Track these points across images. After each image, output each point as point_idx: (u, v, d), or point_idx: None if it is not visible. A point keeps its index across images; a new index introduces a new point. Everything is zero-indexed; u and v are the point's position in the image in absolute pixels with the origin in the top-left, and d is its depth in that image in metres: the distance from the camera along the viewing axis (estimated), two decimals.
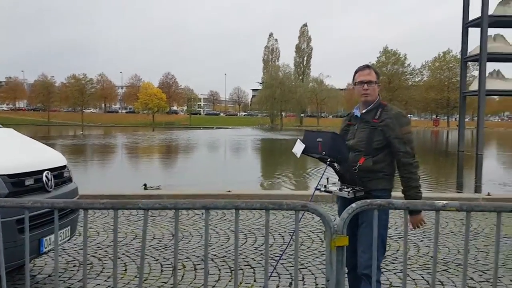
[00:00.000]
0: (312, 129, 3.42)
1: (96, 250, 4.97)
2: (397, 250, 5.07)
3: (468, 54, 26.29)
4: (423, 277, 4.26)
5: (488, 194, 8.35)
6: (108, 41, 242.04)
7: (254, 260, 4.69)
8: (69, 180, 4.24)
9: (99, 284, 3.98)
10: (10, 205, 2.35)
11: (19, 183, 3.48)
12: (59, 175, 4.02)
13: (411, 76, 78.46)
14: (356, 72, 3.17)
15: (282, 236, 5.63)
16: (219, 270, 4.38)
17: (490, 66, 25.64)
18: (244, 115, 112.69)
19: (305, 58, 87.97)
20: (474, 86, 26.07)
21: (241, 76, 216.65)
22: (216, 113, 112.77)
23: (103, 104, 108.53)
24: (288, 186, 11.80)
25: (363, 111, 3.13)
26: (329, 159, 3.00)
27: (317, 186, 3.14)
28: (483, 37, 23.40)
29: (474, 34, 25.12)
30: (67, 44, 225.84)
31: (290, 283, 4.05)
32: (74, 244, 5.11)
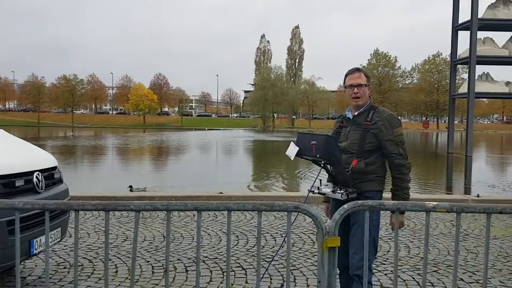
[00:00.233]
0: (305, 132, 3.43)
1: (87, 251, 4.94)
2: (388, 251, 5.10)
3: (457, 57, 26.54)
4: (413, 278, 4.29)
5: (478, 196, 8.43)
6: (99, 42, 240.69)
7: (246, 261, 4.69)
8: (60, 181, 4.21)
9: (89, 286, 3.95)
10: (0, 206, 2.33)
11: (9, 184, 3.45)
12: (50, 176, 3.99)
13: (401, 79, 79.16)
14: (346, 76, 3.18)
15: (274, 238, 5.63)
16: (211, 271, 4.37)
17: (479, 69, 25.92)
18: (236, 116, 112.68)
19: (297, 60, 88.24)
20: (464, 89, 26.32)
21: (233, 78, 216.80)
22: (208, 115, 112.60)
23: (93, 105, 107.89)
24: (280, 188, 11.82)
25: (355, 113, 3.15)
26: (323, 161, 3.02)
27: (311, 188, 3.16)
28: (473, 40, 23.64)
29: (464, 37, 25.40)
30: (57, 44, 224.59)
31: (282, 285, 4.06)
32: (65, 246, 5.07)
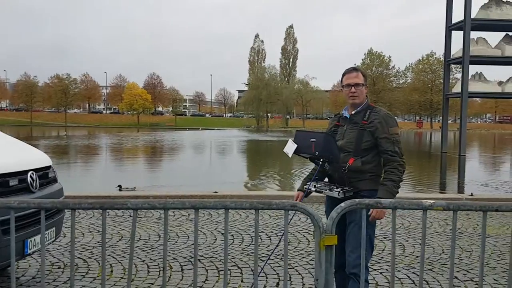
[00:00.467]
0: (304, 129, 3.45)
1: (81, 251, 4.91)
2: (383, 250, 5.12)
3: (451, 57, 26.69)
4: (408, 276, 4.31)
5: (471, 195, 8.48)
6: (93, 42, 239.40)
7: (241, 260, 4.69)
8: (54, 180, 4.18)
9: (84, 286, 3.93)
10: None
11: (3, 183, 3.43)
12: (44, 175, 3.97)
13: (395, 78, 79.53)
14: (343, 75, 3.19)
15: (269, 237, 5.64)
16: (206, 270, 4.37)
17: (473, 69, 26.08)
18: (230, 116, 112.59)
19: (291, 60, 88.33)
20: (457, 88, 26.48)
21: (227, 77, 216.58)
22: (202, 114, 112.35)
23: (87, 105, 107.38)
24: (275, 187, 11.83)
25: (352, 112, 3.16)
26: (321, 159, 3.03)
27: (308, 186, 3.16)
28: (466, 40, 23.78)
29: (457, 37, 25.55)
30: (50, 44, 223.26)
31: (277, 283, 4.06)
32: (59, 246, 5.04)
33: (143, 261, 4.61)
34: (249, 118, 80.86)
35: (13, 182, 3.52)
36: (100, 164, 19.11)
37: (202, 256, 4.80)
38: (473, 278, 4.27)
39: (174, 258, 4.70)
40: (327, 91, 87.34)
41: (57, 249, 4.95)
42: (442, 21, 26.69)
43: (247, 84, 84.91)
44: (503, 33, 25.81)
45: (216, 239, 5.48)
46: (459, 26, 24.84)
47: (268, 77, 75.99)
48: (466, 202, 2.27)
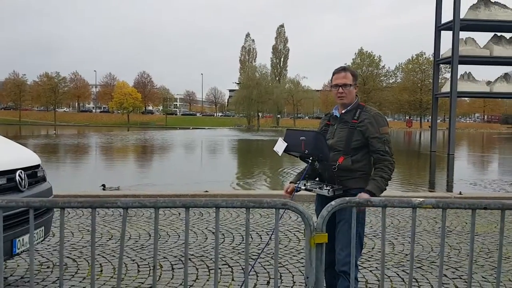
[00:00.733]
0: (294, 128, 3.46)
1: (71, 251, 4.87)
2: (373, 248, 5.15)
3: (440, 57, 26.89)
4: (398, 274, 4.34)
5: (460, 193, 8.57)
6: (82, 40, 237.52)
7: (232, 259, 4.69)
8: (43, 179, 4.14)
9: (74, 286, 3.91)
10: None
11: None
12: (33, 174, 3.93)
13: (386, 78, 79.97)
14: (333, 74, 3.21)
15: (260, 236, 5.64)
16: (197, 269, 4.36)
17: (462, 69, 26.33)
18: (221, 115, 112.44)
19: (282, 59, 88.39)
20: (446, 88, 26.70)
21: (218, 77, 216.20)
22: (193, 114, 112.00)
23: (76, 103, 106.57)
24: (265, 186, 11.83)
25: (343, 111, 3.18)
26: (311, 158, 3.03)
27: (298, 184, 3.17)
28: (455, 40, 23.99)
29: (446, 37, 25.76)
30: (39, 42, 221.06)
31: (268, 282, 4.06)
32: (48, 245, 5.00)
33: (133, 260, 4.59)
34: (240, 118, 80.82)
35: (1, 181, 3.48)
36: (90, 163, 18.98)
37: (192, 255, 4.79)
38: (462, 275, 4.31)
39: (164, 257, 4.69)
40: (317, 90, 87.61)
41: (46, 248, 4.91)
42: (432, 21, 26.91)
43: (238, 84, 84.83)
44: (492, 33, 26.08)
45: (207, 238, 5.47)
46: (448, 26, 25.05)
47: (259, 77, 76.01)
48: (455, 200, 2.29)
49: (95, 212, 2.16)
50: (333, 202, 2.20)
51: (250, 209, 2.17)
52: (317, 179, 3.26)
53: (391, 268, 4.50)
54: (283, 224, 6.15)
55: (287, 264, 4.55)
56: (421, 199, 2.15)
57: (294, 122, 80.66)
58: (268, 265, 4.49)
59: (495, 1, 25.27)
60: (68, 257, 4.65)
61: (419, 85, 74.50)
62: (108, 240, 5.31)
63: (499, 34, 25.80)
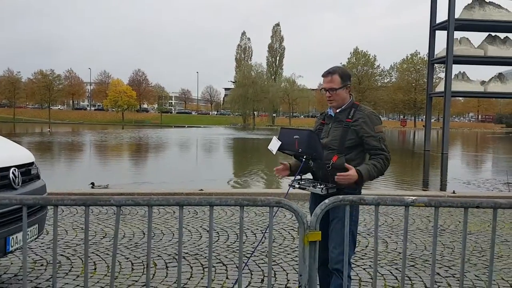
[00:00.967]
0: (288, 126, 3.46)
1: (65, 248, 4.86)
2: (366, 246, 5.17)
3: (435, 56, 27.01)
4: (391, 272, 4.36)
5: (453, 192, 8.61)
6: (77, 37, 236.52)
7: (227, 257, 4.69)
8: (37, 177, 4.13)
9: (67, 283, 3.90)
10: None
11: None
12: (27, 172, 3.91)
13: (380, 77, 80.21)
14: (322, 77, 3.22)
15: (254, 234, 5.65)
16: (191, 267, 4.36)
17: (456, 68, 26.46)
18: (216, 114, 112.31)
19: (278, 58, 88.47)
20: (440, 88, 26.82)
21: (213, 75, 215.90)
22: (188, 112, 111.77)
23: (71, 101, 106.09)
24: (260, 184, 11.85)
25: (337, 110, 3.19)
26: (305, 156, 3.04)
27: (291, 183, 3.18)
28: (449, 40, 24.10)
29: (441, 37, 25.88)
30: (34, 39, 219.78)
31: (262, 280, 4.07)
32: (41, 243, 4.99)
33: (127, 258, 4.58)
34: (236, 116, 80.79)
35: None
36: (84, 161, 18.91)
37: (187, 253, 4.79)
38: (455, 274, 4.34)
39: (158, 256, 4.68)
40: (313, 89, 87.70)
41: (40, 246, 4.90)
42: (427, 21, 27.01)
43: (233, 82, 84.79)
44: (486, 33, 26.21)
45: (201, 237, 5.47)
46: (443, 26, 25.16)
47: (255, 75, 76.00)
48: (448, 198, 2.30)
49: (89, 210, 2.16)
50: (326, 200, 2.20)
51: (245, 207, 2.17)
52: (311, 177, 3.27)
53: (384, 266, 4.52)
54: (277, 222, 6.16)
55: (281, 262, 4.57)
56: (414, 198, 2.16)
57: (290, 121, 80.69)
58: (262, 263, 4.50)
59: (489, 1, 25.40)
60: (62, 255, 4.64)
61: (413, 84, 74.78)
62: (102, 238, 5.30)
63: (493, 34, 25.94)
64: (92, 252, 4.73)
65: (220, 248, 5.00)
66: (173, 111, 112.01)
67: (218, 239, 5.39)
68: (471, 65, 28.89)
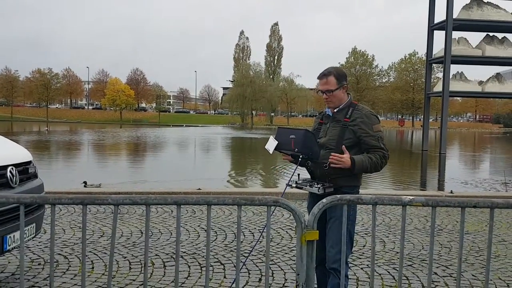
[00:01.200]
0: (285, 126, 3.45)
1: (62, 247, 4.86)
2: (364, 246, 5.18)
3: (433, 56, 27.04)
4: (388, 272, 4.37)
5: (451, 192, 8.63)
6: (75, 36, 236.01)
7: (224, 257, 4.69)
8: (35, 176, 4.12)
9: (65, 282, 3.90)
10: None
11: None
12: (24, 170, 3.91)
13: (379, 77, 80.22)
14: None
15: (252, 233, 5.65)
16: (189, 267, 4.36)
17: (454, 68, 26.50)
18: (215, 113, 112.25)
19: (276, 57, 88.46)
20: (438, 88, 26.86)
21: (211, 74, 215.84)
22: (186, 111, 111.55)
23: (69, 100, 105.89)
24: (258, 184, 11.85)
25: (335, 110, 3.19)
26: (301, 156, 3.04)
27: (288, 182, 3.19)
28: (448, 40, 24.12)
29: (439, 37, 25.90)
30: (32, 37, 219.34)
31: (260, 279, 4.08)
32: (39, 242, 4.98)
33: (125, 257, 4.58)
34: (234, 116, 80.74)
35: None
36: (82, 160, 18.88)
37: (185, 252, 4.79)
38: (452, 273, 4.34)
39: (156, 255, 4.68)
40: (311, 89, 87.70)
41: (37, 245, 4.89)
42: (425, 21, 27.04)
43: (232, 81, 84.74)
44: (484, 33, 26.25)
45: (199, 236, 5.47)
46: (441, 26, 25.19)
47: (253, 75, 75.98)
48: (445, 198, 2.31)
49: (86, 209, 2.16)
50: (324, 200, 2.21)
51: (243, 206, 2.18)
52: (309, 176, 3.28)
53: (382, 265, 4.53)
54: (275, 221, 6.16)
55: (279, 262, 4.57)
56: (411, 197, 2.17)
57: (288, 121, 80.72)
58: (260, 262, 4.50)
59: (487, 1, 25.44)
60: (59, 254, 4.63)
61: (411, 84, 74.85)
62: (99, 237, 5.30)
63: (491, 34, 25.99)
64: (90, 251, 4.73)
65: (217, 247, 5.00)
66: (171, 110, 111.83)
67: (216, 238, 5.39)
68: (469, 65, 28.95)
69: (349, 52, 78.49)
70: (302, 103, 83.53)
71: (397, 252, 4.96)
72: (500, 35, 26.14)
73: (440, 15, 25.70)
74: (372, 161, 3.02)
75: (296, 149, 3.02)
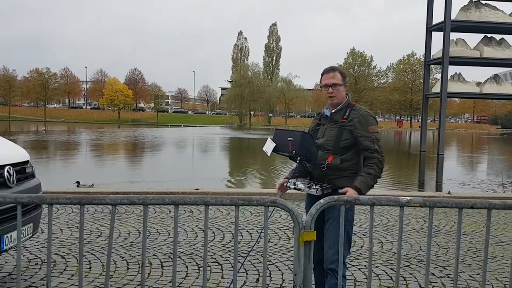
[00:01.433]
0: (282, 128, 3.45)
1: (60, 247, 4.85)
2: (362, 246, 5.18)
3: (431, 57, 27.10)
4: (386, 272, 4.37)
5: (449, 193, 8.64)
6: (73, 36, 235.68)
7: (222, 257, 4.69)
8: (32, 175, 4.11)
9: (62, 282, 3.89)
10: None
11: None
12: (22, 170, 3.90)
13: (377, 78, 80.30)
14: (322, 75, 3.22)
15: (250, 234, 5.65)
16: (186, 267, 4.36)
17: (452, 69, 26.59)
18: (213, 113, 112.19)
19: (274, 58, 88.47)
20: (436, 89, 26.90)
21: (210, 74, 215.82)
22: (184, 111, 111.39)
23: (67, 100, 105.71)
24: (256, 184, 11.85)
25: (333, 111, 3.19)
26: (299, 157, 3.04)
27: (286, 183, 3.18)
28: (446, 41, 24.17)
29: (437, 38, 25.96)
30: (30, 37, 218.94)
31: (257, 279, 4.07)
32: (36, 242, 4.97)
33: (123, 257, 4.58)
34: (232, 116, 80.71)
35: None
36: (79, 160, 18.85)
37: (182, 252, 4.78)
38: (449, 274, 4.35)
39: (154, 255, 4.68)
40: (309, 89, 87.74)
41: (35, 245, 4.88)
42: (423, 22, 27.08)
43: (230, 82, 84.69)
44: (482, 35, 26.32)
45: (197, 236, 5.47)
46: (439, 27, 25.24)
47: (251, 75, 75.97)
48: (442, 199, 2.31)
49: (83, 209, 2.16)
50: (322, 200, 2.21)
51: (241, 207, 2.18)
52: (308, 177, 3.28)
53: (379, 266, 4.53)
54: (273, 222, 6.16)
55: (276, 262, 4.57)
56: (409, 198, 2.17)
57: (286, 121, 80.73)
58: (257, 262, 4.50)
59: (485, 3, 25.51)
60: (57, 254, 4.62)
61: (409, 85, 74.93)
62: (97, 237, 5.29)
63: (489, 35, 26.06)
64: (87, 251, 4.72)
65: (215, 248, 5.00)
66: (169, 110, 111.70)
67: (214, 238, 5.39)
68: (467, 66, 29.02)
69: (347, 53, 78.64)
70: (300, 104, 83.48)
71: (395, 253, 4.97)
72: (498, 37, 26.21)
73: (438, 16, 25.80)
74: (373, 175, 3.03)
75: (294, 151, 3.03)
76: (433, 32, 26.61)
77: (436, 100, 30.43)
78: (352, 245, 4.37)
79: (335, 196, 2.24)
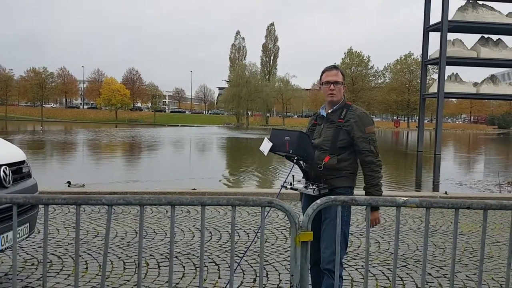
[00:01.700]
0: (279, 128, 3.45)
1: (56, 248, 4.83)
2: (358, 247, 5.19)
3: (428, 58, 27.15)
4: (383, 272, 4.37)
5: (446, 193, 8.66)
6: (70, 35, 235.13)
7: (219, 257, 4.69)
8: (28, 175, 4.10)
9: (58, 283, 3.87)
10: None
11: None
12: (18, 170, 3.88)
13: (374, 78, 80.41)
14: (323, 72, 3.22)
15: (247, 234, 5.64)
16: (183, 267, 4.35)
17: (449, 70, 26.67)
18: (210, 113, 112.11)
19: (272, 58, 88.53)
20: (434, 89, 26.97)
21: (207, 74, 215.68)
22: (182, 111, 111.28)
23: (64, 99, 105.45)
24: (253, 184, 11.84)
25: (329, 111, 3.19)
26: (296, 157, 3.04)
27: (283, 183, 3.18)
28: (443, 42, 24.23)
29: (435, 38, 26.02)
30: (26, 36, 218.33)
31: (254, 280, 4.07)
32: (33, 242, 4.95)
33: (119, 258, 4.57)
34: (229, 116, 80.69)
35: None
36: (76, 160, 18.81)
37: (179, 252, 4.77)
38: (446, 274, 4.36)
39: (151, 255, 4.67)
40: (307, 89, 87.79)
41: (31, 245, 4.86)
42: (420, 22, 27.14)
43: (227, 81, 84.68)
44: (479, 35, 26.38)
45: (194, 236, 5.46)
46: (436, 28, 25.30)
47: (249, 75, 75.99)
48: (439, 199, 2.32)
49: (80, 209, 2.15)
50: (318, 201, 2.21)
51: (238, 207, 2.17)
52: (304, 178, 3.28)
53: (376, 266, 4.54)
54: (270, 222, 6.16)
55: (273, 262, 4.57)
56: (405, 198, 2.17)
57: (283, 121, 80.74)
58: (254, 263, 4.49)
59: (482, 3, 25.57)
60: (53, 254, 4.61)
61: (407, 85, 75.06)
62: (94, 238, 5.27)
63: (486, 36, 26.12)
64: (84, 252, 4.71)
65: (212, 248, 4.99)
66: (166, 110, 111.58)
67: (211, 238, 5.38)
68: (464, 66, 29.11)
69: (344, 53, 78.74)
70: (297, 104, 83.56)
71: (392, 253, 4.97)
72: (495, 37, 26.28)
73: (435, 17, 25.84)
74: (379, 186, 3.06)
75: (291, 150, 3.03)
76: (430, 33, 26.66)
77: (433, 100, 30.47)
78: (349, 245, 4.39)
79: (332, 197, 2.24)
